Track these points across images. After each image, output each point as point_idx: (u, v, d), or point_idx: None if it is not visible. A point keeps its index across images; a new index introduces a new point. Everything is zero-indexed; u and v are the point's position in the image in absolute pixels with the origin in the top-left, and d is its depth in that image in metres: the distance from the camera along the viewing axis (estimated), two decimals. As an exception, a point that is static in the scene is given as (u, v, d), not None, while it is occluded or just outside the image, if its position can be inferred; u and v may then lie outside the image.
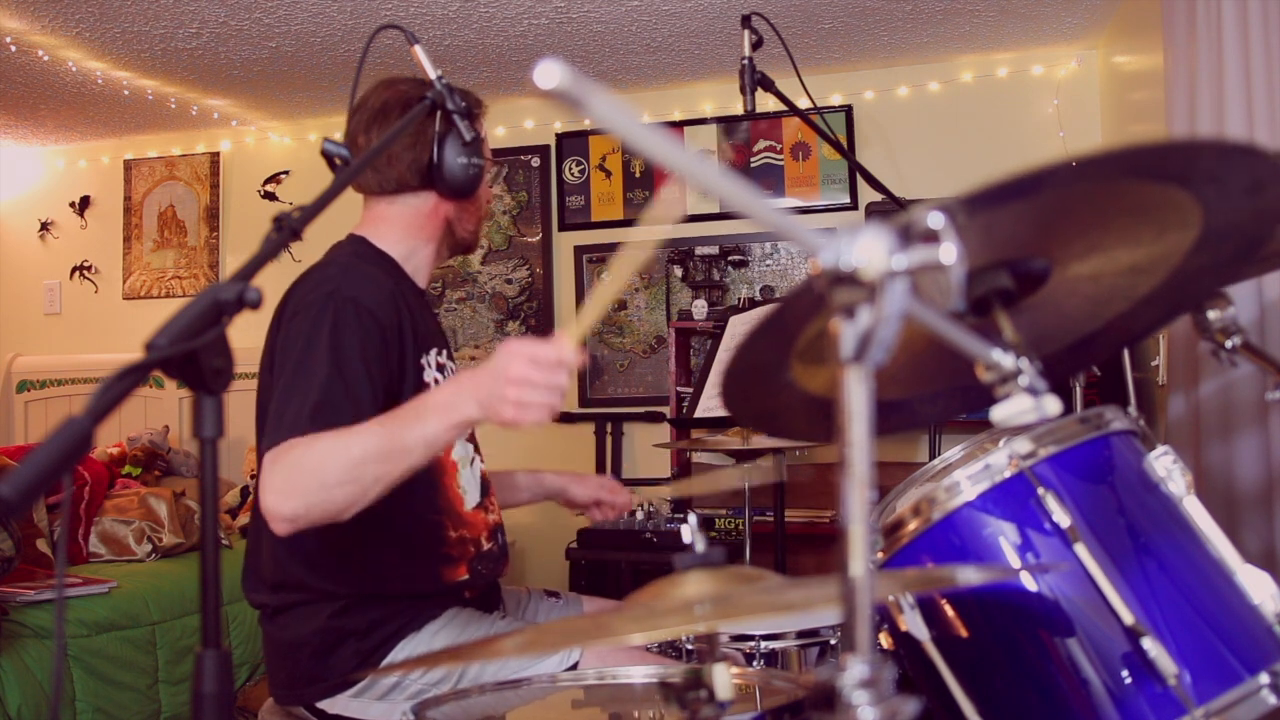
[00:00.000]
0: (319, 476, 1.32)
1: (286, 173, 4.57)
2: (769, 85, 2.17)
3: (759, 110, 2.20)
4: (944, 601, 1.22)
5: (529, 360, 1.23)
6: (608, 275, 1.22)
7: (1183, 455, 1.43)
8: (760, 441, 2.35)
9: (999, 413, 0.78)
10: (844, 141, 3.91)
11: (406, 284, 1.72)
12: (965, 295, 0.70)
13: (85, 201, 4.80)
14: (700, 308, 3.80)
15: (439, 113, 1.59)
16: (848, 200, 3.96)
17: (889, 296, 0.58)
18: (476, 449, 1.80)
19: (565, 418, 4.20)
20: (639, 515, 3.38)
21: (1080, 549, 1.14)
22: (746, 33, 2.16)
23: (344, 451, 1.32)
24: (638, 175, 4.18)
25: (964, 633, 1.21)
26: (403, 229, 1.73)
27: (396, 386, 1.59)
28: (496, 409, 1.25)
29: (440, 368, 1.71)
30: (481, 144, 1.68)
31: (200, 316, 0.85)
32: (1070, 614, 1.14)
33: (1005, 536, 1.18)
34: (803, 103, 2.23)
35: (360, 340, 1.51)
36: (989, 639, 1.21)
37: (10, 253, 4.90)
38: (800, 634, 1.67)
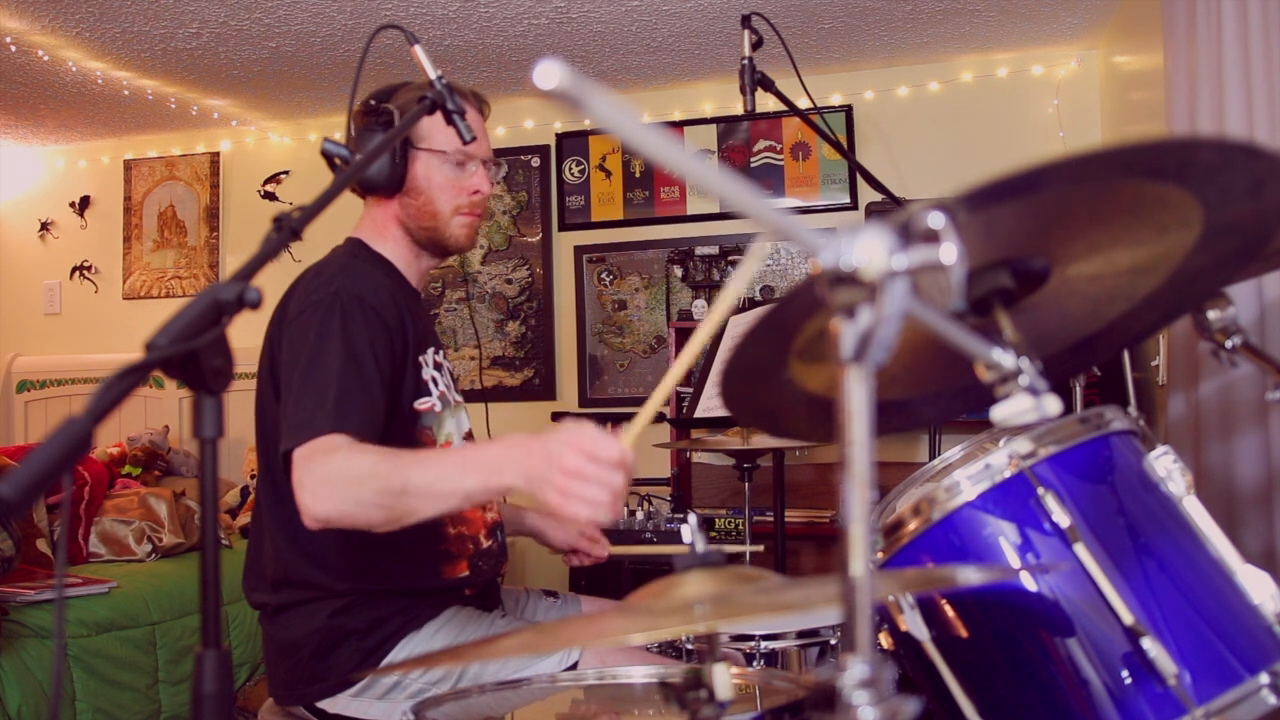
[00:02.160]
0: (356, 492, 1.34)
1: (286, 173, 4.57)
2: (769, 85, 2.17)
3: (759, 110, 2.20)
4: (944, 601, 1.22)
5: (586, 454, 1.22)
6: (669, 376, 1.23)
7: (1183, 455, 1.43)
8: (760, 441, 2.35)
9: (999, 413, 0.78)
10: (844, 141, 3.91)
11: (401, 283, 1.73)
12: (965, 295, 0.70)
13: (85, 201, 4.80)
14: (700, 308, 3.80)
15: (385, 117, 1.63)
16: (848, 200, 3.96)
17: (889, 296, 0.58)
18: (476, 448, 1.81)
19: (565, 418, 4.20)
20: (639, 515, 3.38)
21: (1080, 549, 1.14)
22: (746, 33, 2.16)
23: (384, 478, 1.33)
24: (638, 175, 4.18)
25: (964, 633, 1.21)
26: (377, 230, 1.76)
27: (397, 383, 1.60)
28: (543, 492, 1.24)
29: (437, 366, 1.72)
30: (398, 139, 1.63)
31: (200, 316, 0.85)
32: (1070, 614, 1.14)
33: (1005, 536, 1.18)
34: (803, 103, 2.23)
35: (369, 335, 1.53)
36: (989, 639, 1.21)
37: (10, 253, 4.90)
38: (800, 634, 1.67)
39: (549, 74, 0.50)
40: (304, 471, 1.37)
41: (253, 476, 3.87)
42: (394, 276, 1.72)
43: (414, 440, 1.65)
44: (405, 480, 1.32)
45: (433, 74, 1.48)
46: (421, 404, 1.67)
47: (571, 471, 1.21)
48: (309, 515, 1.34)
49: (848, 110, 3.95)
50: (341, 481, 1.35)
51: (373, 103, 1.69)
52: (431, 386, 1.69)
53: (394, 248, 1.75)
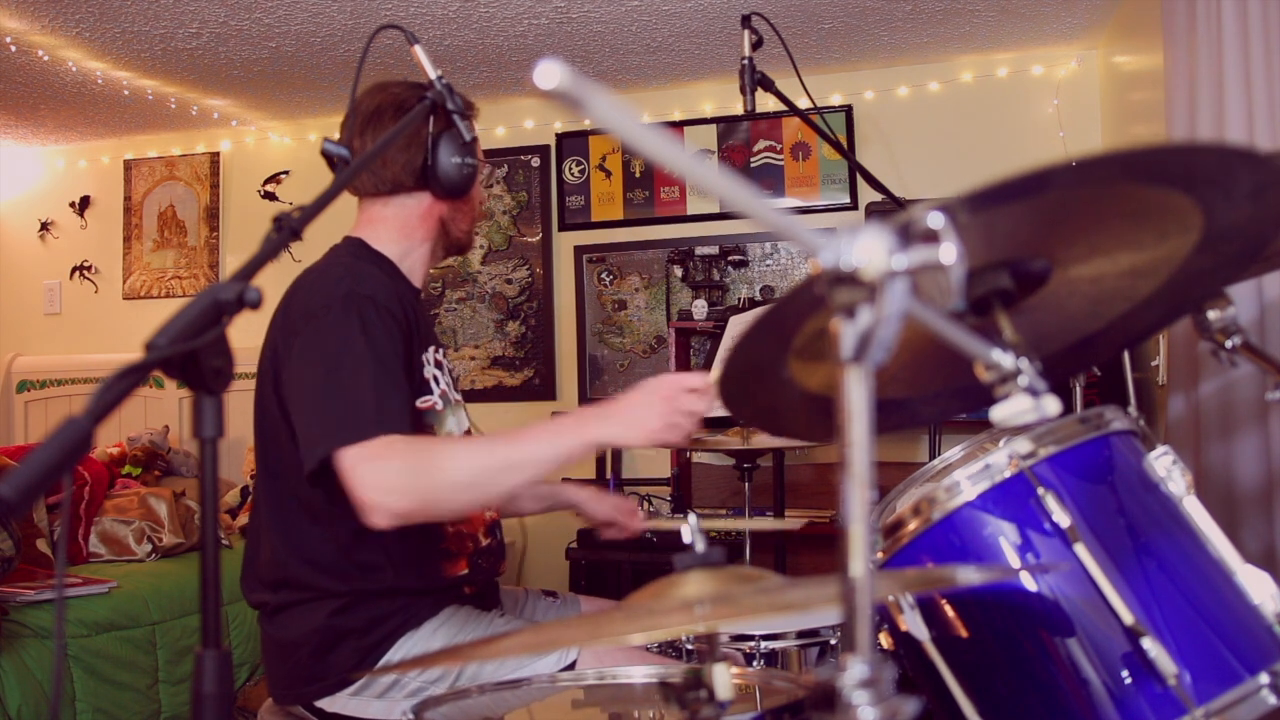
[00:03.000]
0: (448, 478, 1.40)
1: (286, 173, 4.57)
2: (769, 85, 2.17)
3: (759, 110, 2.20)
4: (944, 601, 1.22)
5: (680, 384, 1.43)
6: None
7: (1183, 455, 1.43)
8: (760, 441, 2.34)
9: (999, 413, 0.78)
10: (844, 141, 3.91)
11: (404, 283, 1.73)
12: (965, 295, 0.70)
13: (85, 201, 4.80)
14: (700, 308, 3.80)
15: (433, 114, 1.60)
16: (848, 200, 3.96)
17: (889, 296, 0.58)
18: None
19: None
20: (639, 516, 3.38)
21: (1080, 549, 1.14)
22: (746, 33, 2.16)
23: (479, 458, 1.42)
24: (638, 175, 4.18)
25: (964, 633, 1.21)
26: (398, 229, 1.74)
27: (410, 381, 1.61)
28: (645, 425, 1.42)
29: (438, 365, 1.73)
30: (475, 144, 1.69)
31: (200, 316, 0.85)
32: (1070, 614, 1.14)
33: (1005, 536, 1.18)
34: (803, 103, 2.23)
35: (389, 335, 1.55)
36: (989, 639, 1.21)
37: (10, 253, 4.90)
38: (800, 634, 1.67)
39: (549, 74, 0.50)
40: (368, 471, 1.38)
41: (252, 476, 3.86)
42: (395, 276, 1.72)
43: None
44: (502, 456, 1.43)
45: (433, 74, 1.48)
46: (423, 402, 1.67)
47: (669, 397, 1.42)
48: (384, 513, 1.37)
49: (848, 110, 3.95)
50: (428, 473, 1.40)
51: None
52: (433, 385, 1.69)
53: (412, 246, 1.75)
